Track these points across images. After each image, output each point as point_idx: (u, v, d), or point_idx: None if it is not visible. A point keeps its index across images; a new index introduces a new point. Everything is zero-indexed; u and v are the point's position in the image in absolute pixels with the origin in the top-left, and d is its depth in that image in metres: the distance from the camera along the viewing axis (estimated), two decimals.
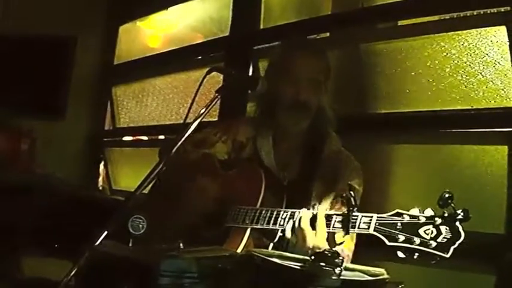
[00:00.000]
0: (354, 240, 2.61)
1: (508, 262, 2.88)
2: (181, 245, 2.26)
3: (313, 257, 1.99)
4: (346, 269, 1.99)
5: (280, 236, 2.50)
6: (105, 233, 2.22)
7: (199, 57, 5.35)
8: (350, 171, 2.79)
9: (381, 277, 2.03)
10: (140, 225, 2.55)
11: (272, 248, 2.50)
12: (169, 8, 5.81)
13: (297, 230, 2.34)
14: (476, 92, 3.21)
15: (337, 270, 1.95)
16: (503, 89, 3.11)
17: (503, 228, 2.96)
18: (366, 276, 2.02)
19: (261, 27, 4.65)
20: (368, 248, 2.57)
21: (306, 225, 2.31)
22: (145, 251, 2.45)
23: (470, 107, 3.22)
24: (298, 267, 2.01)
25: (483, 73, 3.19)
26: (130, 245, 2.56)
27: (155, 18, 6.12)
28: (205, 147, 2.98)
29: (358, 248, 2.64)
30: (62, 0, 6.04)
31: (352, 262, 2.41)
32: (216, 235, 2.58)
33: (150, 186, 2.57)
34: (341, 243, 2.47)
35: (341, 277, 1.97)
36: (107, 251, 2.35)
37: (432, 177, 3.35)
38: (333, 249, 2.21)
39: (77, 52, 6.13)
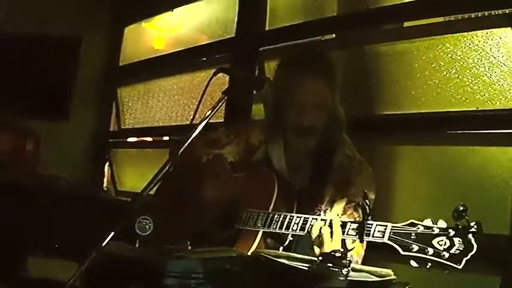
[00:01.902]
0: (364, 246, 2.61)
1: None
2: (189, 245, 2.27)
3: (320, 258, 2.00)
4: (353, 269, 2.00)
5: (290, 240, 2.51)
6: (112, 234, 2.22)
7: (205, 59, 5.35)
8: (362, 177, 2.78)
9: (387, 278, 2.04)
10: (147, 226, 2.55)
11: (283, 251, 2.50)
12: (174, 10, 5.82)
13: (314, 235, 2.34)
14: (482, 93, 3.21)
15: (344, 271, 1.96)
16: (509, 91, 3.11)
17: (508, 229, 2.95)
18: (372, 277, 2.03)
19: (267, 28, 4.66)
20: (374, 250, 2.59)
21: (326, 231, 2.30)
22: (153, 252, 2.45)
23: (476, 109, 3.23)
24: (306, 268, 2.02)
25: (489, 74, 3.20)
26: (137, 245, 2.57)
27: (160, 19, 6.13)
28: (217, 148, 2.98)
29: (365, 249, 2.64)
30: (67, 0, 6.04)
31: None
32: (227, 237, 2.58)
33: (157, 186, 2.58)
34: (351, 249, 2.47)
35: (348, 278, 1.98)
36: (113, 252, 2.36)
37: (438, 179, 3.36)
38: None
39: (82, 53, 6.12)
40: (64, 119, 6.08)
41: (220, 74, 2.75)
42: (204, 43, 5.43)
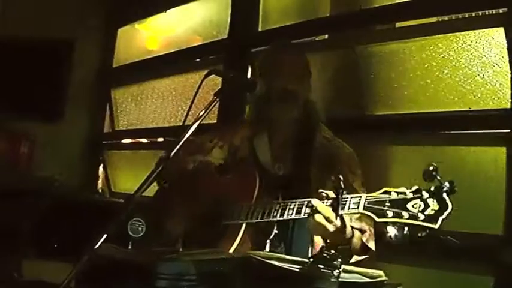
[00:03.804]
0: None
1: (506, 263, 2.88)
2: (180, 247, 2.27)
3: (311, 260, 2.00)
4: (345, 271, 2.00)
5: (275, 233, 2.52)
6: (105, 236, 2.21)
7: (198, 60, 5.35)
8: (345, 154, 2.85)
9: (379, 279, 2.04)
10: (139, 228, 2.55)
11: (270, 244, 2.54)
12: (168, 11, 5.81)
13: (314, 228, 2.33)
14: (474, 93, 3.22)
15: (335, 273, 1.96)
16: (501, 91, 3.12)
17: (501, 229, 2.96)
18: (364, 278, 2.03)
19: (259, 29, 4.66)
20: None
21: (320, 218, 2.27)
22: (145, 254, 2.45)
23: (468, 109, 3.23)
24: (297, 270, 2.02)
25: (481, 74, 3.20)
26: (129, 247, 2.57)
27: (154, 20, 6.12)
28: (202, 154, 3.01)
29: None
30: (61, 3, 6.03)
31: (351, 264, 2.41)
32: (212, 234, 2.60)
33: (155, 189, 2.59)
34: (357, 218, 2.53)
35: (339, 279, 1.98)
36: (106, 254, 2.35)
37: None
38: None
39: (75, 55, 6.13)
40: (58, 121, 6.08)
41: (213, 75, 2.75)
42: (197, 44, 5.43)
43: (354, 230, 2.51)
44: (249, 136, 2.98)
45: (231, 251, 2.44)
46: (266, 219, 2.45)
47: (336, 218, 2.22)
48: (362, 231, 2.57)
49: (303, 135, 2.89)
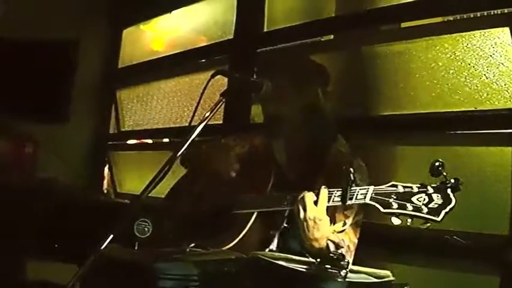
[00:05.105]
0: (357, 234, 2.66)
1: None
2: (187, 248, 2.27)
3: (318, 260, 2.01)
4: (352, 271, 2.01)
5: (285, 226, 2.56)
6: (111, 236, 2.22)
7: (204, 61, 5.35)
8: (355, 165, 2.81)
9: (386, 279, 2.04)
10: (146, 229, 2.56)
11: (278, 238, 2.57)
12: (173, 12, 5.82)
13: (298, 202, 2.39)
14: (480, 93, 3.21)
15: (342, 273, 1.97)
16: (507, 90, 3.11)
17: (507, 229, 2.96)
18: (371, 278, 2.04)
19: (265, 30, 4.66)
20: (373, 250, 2.59)
21: (309, 198, 2.37)
22: (151, 254, 2.46)
23: (474, 109, 3.23)
24: (304, 270, 2.02)
25: (487, 74, 3.20)
26: (136, 248, 2.57)
27: (159, 21, 6.12)
28: (224, 150, 3.03)
29: (363, 250, 2.64)
30: (66, 4, 6.04)
31: (358, 264, 2.42)
32: (221, 224, 2.63)
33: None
34: (341, 231, 2.55)
35: (347, 279, 1.98)
36: (112, 255, 2.36)
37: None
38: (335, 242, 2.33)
39: (80, 56, 6.13)
40: (63, 122, 6.08)
41: (219, 76, 2.75)
42: (202, 45, 5.43)
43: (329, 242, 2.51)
44: (268, 136, 2.99)
45: (237, 240, 2.48)
46: (277, 208, 2.52)
47: (344, 204, 2.31)
48: (338, 247, 2.56)
49: (317, 146, 2.87)
